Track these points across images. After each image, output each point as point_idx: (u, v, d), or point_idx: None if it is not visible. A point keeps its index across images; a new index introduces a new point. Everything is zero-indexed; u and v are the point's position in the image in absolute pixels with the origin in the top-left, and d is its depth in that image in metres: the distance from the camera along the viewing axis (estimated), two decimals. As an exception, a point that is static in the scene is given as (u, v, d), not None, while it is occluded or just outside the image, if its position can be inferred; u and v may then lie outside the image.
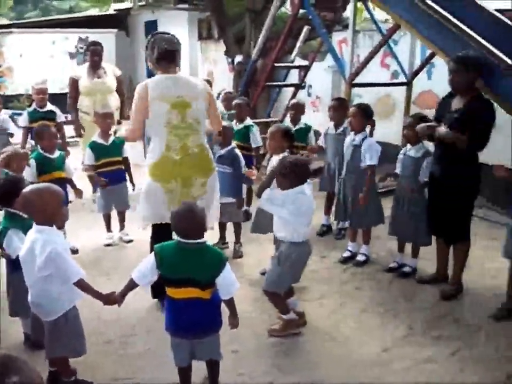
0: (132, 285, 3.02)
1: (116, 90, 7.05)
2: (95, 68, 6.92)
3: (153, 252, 2.93)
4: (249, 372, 3.47)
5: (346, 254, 5.23)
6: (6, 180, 3.75)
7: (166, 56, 4.04)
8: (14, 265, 3.39)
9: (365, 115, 4.98)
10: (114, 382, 3.34)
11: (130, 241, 5.62)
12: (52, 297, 2.97)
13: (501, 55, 4.28)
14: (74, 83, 6.94)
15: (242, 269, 4.95)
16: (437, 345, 3.77)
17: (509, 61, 4.24)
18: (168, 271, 2.88)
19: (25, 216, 3.26)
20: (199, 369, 3.17)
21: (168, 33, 4.20)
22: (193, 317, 2.91)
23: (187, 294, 2.87)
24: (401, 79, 7.85)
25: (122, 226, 5.73)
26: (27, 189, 3.00)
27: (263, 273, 4.73)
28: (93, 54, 6.92)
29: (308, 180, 3.78)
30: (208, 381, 3.26)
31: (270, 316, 4.10)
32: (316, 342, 3.83)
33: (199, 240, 2.87)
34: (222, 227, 5.42)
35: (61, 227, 3.78)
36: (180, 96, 3.94)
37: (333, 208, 5.74)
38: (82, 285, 2.98)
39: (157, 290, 3.92)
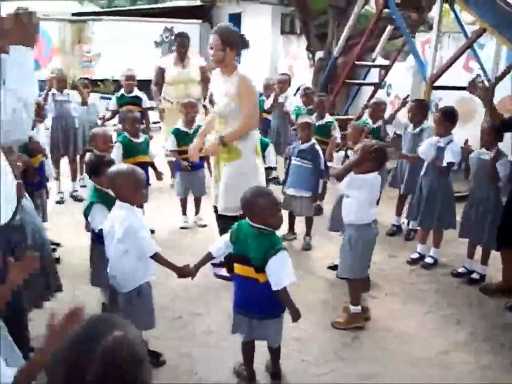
0: (207, 258, 3.25)
1: (201, 80, 7.22)
2: (181, 58, 7.13)
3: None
4: (311, 359, 3.57)
5: (415, 255, 5.23)
6: (94, 157, 4.02)
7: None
8: (97, 238, 3.64)
9: (449, 119, 4.99)
10: (180, 357, 3.53)
11: (204, 225, 5.85)
12: (127, 271, 3.16)
13: None
14: (160, 72, 7.18)
15: (310, 261, 5.07)
16: (498, 354, 3.73)
17: None
18: (235, 247, 3.09)
19: (111, 193, 3.51)
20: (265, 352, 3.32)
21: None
22: (247, 296, 3.07)
23: (244, 272, 3.04)
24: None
25: (197, 211, 5.97)
26: (113, 168, 3.25)
27: (330, 267, 4.84)
28: (180, 45, 7.13)
29: None
30: (271, 365, 3.38)
31: (334, 308, 4.21)
32: (377, 337, 3.89)
33: (263, 227, 3.00)
34: (292, 219, 5.54)
35: (140, 206, 4.02)
36: None
37: (405, 209, 5.77)
38: (158, 258, 3.17)
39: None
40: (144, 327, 3.34)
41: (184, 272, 3.23)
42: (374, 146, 3.86)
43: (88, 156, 4.50)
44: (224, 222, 4.65)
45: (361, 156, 3.81)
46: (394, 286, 4.71)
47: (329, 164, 4.96)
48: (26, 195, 3.33)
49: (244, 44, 4.43)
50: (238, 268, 3.10)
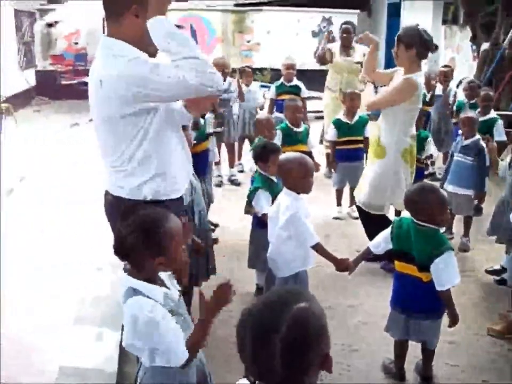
0: (367, 253, 3.25)
1: None
2: (345, 46, 7.05)
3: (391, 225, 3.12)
4: (463, 365, 3.44)
5: None
6: (260, 144, 4.16)
7: (431, 51, 4.29)
8: (259, 222, 3.79)
9: None
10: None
11: (357, 217, 5.80)
12: (288, 256, 3.25)
13: None
14: (329, 53, 7.05)
15: (467, 262, 4.86)
16: None
17: None
18: (396, 243, 3.04)
19: (275, 180, 3.62)
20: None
21: None
22: (409, 295, 3.02)
23: (406, 269, 2.99)
24: None
25: (352, 203, 5.95)
26: (283, 156, 3.35)
27: (488, 271, 4.62)
28: (344, 32, 7.05)
29: None
30: (422, 365, 3.32)
31: (489, 314, 4.03)
32: (539, 351, 3.65)
33: (432, 226, 2.94)
34: (451, 217, 5.32)
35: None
36: None
37: None
38: (319, 248, 3.22)
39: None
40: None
41: (343, 265, 3.25)
42: None
43: (256, 141, 4.65)
44: (365, 217, 4.73)
45: None
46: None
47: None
48: (196, 177, 3.56)
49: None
50: (399, 265, 3.07)
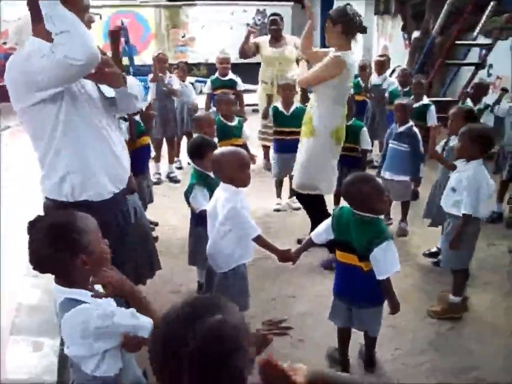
0: (309, 243, 3.24)
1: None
2: (274, 38, 7.01)
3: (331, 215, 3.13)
4: (406, 348, 3.51)
5: (517, 244, 4.99)
6: (197, 140, 4.10)
7: (359, 31, 4.29)
8: (197, 219, 3.74)
9: None
10: (275, 339, 3.55)
11: (298, 208, 5.84)
12: (226, 251, 3.20)
13: None
14: (254, 46, 7.01)
15: (405, 247, 4.96)
16: None
17: None
18: (337, 233, 3.05)
19: (211, 175, 3.57)
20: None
21: None
22: (350, 284, 3.04)
23: (347, 259, 3.01)
24: None
25: (292, 195, 5.95)
26: (217, 151, 3.29)
27: (426, 255, 4.73)
28: (272, 23, 7.01)
29: None
30: (364, 350, 3.37)
31: (429, 297, 4.12)
32: (475, 329, 3.76)
33: (369, 215, 2.95)
34: (389, 203, 5.41)
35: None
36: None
37: (507, 195, 5.52)
38: (260, 240, 3.18)
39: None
40: (238, 309, 3.40)
41: (285, 256, 3.24)
42: (480, 129, 3.68)
43: (193, 138, 4.59)
44: (304, 202, 4.76)
45: (465, 139, 3.65)
46: (493, 276, 4.51)
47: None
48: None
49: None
50: (340, 255, 3.08)
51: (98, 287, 1.97)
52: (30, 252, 1.90)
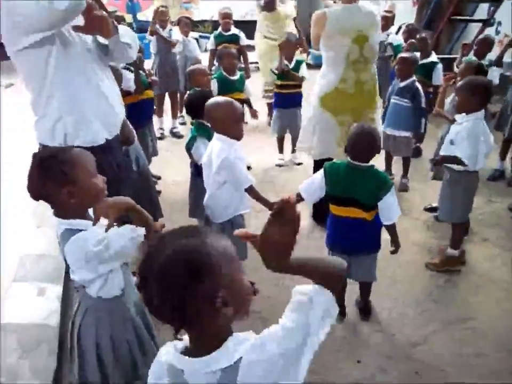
0: (298, 200, 3.21)
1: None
2: None
3: (322, 169, 3.08)
4: (402, 298, 3.58)
5: (518, 201, 5.00)
6: (194, 93, 4.09)
7: None
8: (198, 170, 3.74)
9: None
10: (275, 288, 3.58)
11: (300, 163, 5.88)
12: (223, 202, 3.22)
13: None
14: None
15: (406, 202, 4.97)
16: None
17: None
18: (335, 190, 3.02)
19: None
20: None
21: None
22: (354, 235, 3.06)
23: (350, 213, 3.02)
24: None
25: (294, 150, 5.98)
26: (210, 101, 3.24)
27: (427, 209, 4.77)
28: None
29: None
30: (360, 300, 3.44)
31: (429, 250, 4.17)
32: (471, 281, 3.81)
33: (368, 164, 2.98)
34: (389, 158, 5.43)
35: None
36: (360, 30, 3.97)
37: (509, 154, 5.50)
38: (252, 191, 3.19)
39: (319, 214, 4.19)
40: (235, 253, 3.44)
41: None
42: (477, 80, 3.65)
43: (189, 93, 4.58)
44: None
45: (464, 92, 3.62)
46: (493, 231, 4.54)
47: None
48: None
49: None
50: (337, 209, 3.08)
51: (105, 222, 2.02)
52: (27, 180, 1.97)
